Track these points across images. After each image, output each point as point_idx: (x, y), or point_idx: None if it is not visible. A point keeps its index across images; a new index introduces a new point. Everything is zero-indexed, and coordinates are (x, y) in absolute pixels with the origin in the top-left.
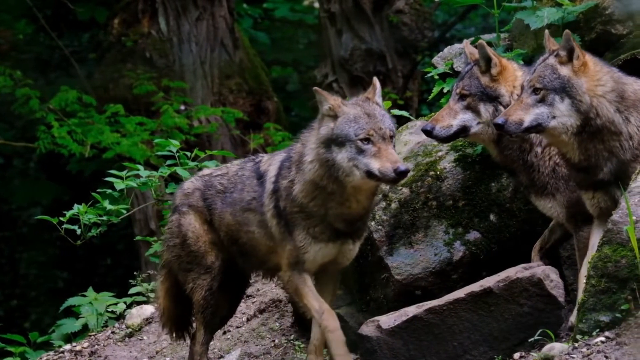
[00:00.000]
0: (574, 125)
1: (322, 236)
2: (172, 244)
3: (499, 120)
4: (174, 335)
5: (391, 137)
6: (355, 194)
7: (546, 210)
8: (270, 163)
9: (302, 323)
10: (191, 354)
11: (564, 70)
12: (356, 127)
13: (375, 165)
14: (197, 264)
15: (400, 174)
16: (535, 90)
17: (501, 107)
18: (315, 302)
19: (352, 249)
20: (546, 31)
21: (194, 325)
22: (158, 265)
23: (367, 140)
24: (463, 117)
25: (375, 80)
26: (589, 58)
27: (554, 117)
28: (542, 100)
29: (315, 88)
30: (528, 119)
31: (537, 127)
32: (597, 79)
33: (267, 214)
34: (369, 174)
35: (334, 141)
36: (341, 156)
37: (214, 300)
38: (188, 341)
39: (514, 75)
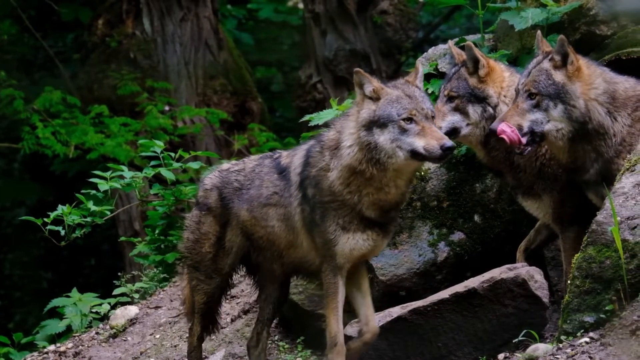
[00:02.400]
0: (566, 130)
1: (350, 226)
2: (185, 236)
3: (496, 125)
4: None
5: (432, 117)
6: (395, 178)
7: (533, 210)
8: (294, 155)
9: (287, 324)
10: (187, 349)
11: (559, 76)
12: (399, 107)
13: (420, 143)
14: (206, 266)
15: (447, 150)
16: (531, 95)
17: (489, 108)
18: (335, 325)
19: (382, 241)
20: (538, 32)
21: (194, 320)
22: (143, 266)
23: (410, 120)
24: (452, 119)
25: (419, 63)
26: (582, 62)
27: (548, 122)
28: (537, 106)
29: (357, 69)
30: (525, 125)
31: (533, 133)
32: (590, 82)
33: (292, 205)
34: (414, 153)
35: (375, 123)
36: (384, 137)
37: (214, 305)
38: (217, 335)
39: (502, 76)
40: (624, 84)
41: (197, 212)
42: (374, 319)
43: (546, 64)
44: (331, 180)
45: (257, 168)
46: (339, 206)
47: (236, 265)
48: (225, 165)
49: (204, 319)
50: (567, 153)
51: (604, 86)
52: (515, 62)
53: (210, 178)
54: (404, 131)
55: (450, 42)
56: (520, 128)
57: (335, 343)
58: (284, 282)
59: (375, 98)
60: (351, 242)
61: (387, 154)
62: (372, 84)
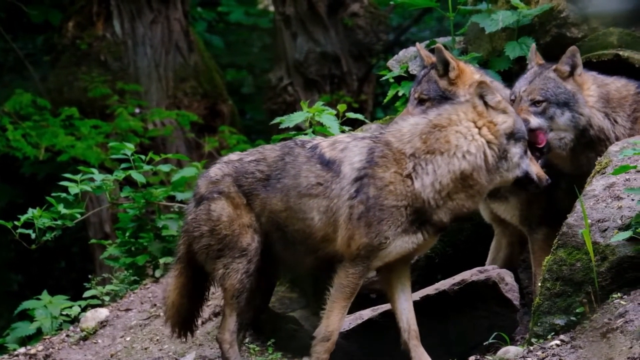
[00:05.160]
0: (569, 139)
1: (410, 228)
2: (198, 233)
3: None
4: (178, 331)
5: None
6: (487, 190)
7: (500, 212)
8: (343, 148)
9: (257, 326)
10: (222, 346)
11: (569, 85)
12: (525, 127)
13: (533, 170)
14: (231, 248)
15: (548, 184)
16: (536, 103)
17: None
18: (336, 322)
19: (431, 240)
20: (533, 45)
21: (225, 313)
22: (113, 268)
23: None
24: None
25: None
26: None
27: (551, 130)
28: (542, 113)
29: (482, 80)
30: (534, 121)
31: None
32: (587, 88)
33: (341, 199)
34: (526, 176)
35: (513, 136)
36: (514, 151)
37: (250, 285)
38: (189, 339)
39: (472, 78)
40: (615, 84)
41: (205, 204)
42: (414, 322)
43: (552, 74)
44: (418, 186)
45: (287, 157)
46: (411, 211)
47: (262, 245)
48: (233, 156)
49: (239, 304)
50: (569, 162)
51: (598, 91)
52: (485, 64)
53: (219, 169)
54: (525, 151)
55: (419, 45)
56: (527, 121)
57: (329, 338)
58: (268, 289)
59: (502, 110)
60: (402, 246)
61: (509, 167)
62: (496, 95)
